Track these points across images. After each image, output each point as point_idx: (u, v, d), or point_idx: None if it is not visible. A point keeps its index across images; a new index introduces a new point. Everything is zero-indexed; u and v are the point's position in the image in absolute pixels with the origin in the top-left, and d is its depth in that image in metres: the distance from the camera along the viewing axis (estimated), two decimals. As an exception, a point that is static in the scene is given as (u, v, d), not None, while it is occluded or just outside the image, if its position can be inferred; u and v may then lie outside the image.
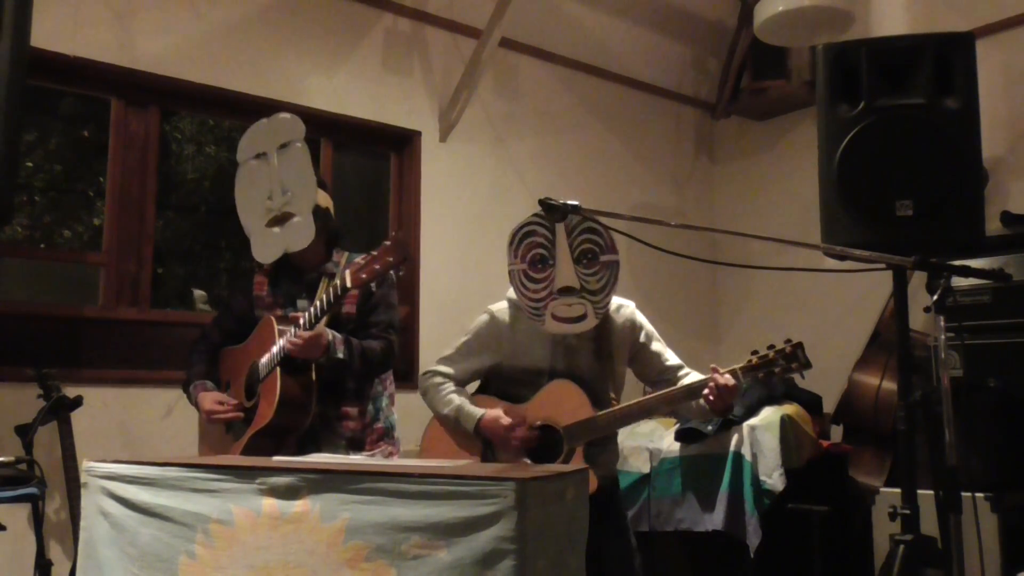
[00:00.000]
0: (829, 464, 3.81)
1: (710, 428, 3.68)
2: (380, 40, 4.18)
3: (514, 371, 2.54)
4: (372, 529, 1.48)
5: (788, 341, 2.31)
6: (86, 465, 1.79)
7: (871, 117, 2.49)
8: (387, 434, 2.68)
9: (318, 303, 2.42)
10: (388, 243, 2.30)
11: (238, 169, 2.75)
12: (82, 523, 1.78)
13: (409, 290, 4.20)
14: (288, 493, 1.56)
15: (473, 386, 2.69)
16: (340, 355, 2.45)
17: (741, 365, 2.33)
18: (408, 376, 4.11)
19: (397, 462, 2.09)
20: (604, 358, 2.49)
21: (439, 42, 4.36)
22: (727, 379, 2.30)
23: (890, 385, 3.70)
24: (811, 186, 2.68)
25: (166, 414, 3.42)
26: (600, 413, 2.39)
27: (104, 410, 3.28)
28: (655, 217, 2.35)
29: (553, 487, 1.57)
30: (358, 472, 1.55)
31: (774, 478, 3.57)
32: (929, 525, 2.24)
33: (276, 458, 2.01)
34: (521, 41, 4.59)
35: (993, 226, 3.70)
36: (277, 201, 2.61)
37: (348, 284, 2.31)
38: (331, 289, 2.37)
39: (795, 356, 2.30)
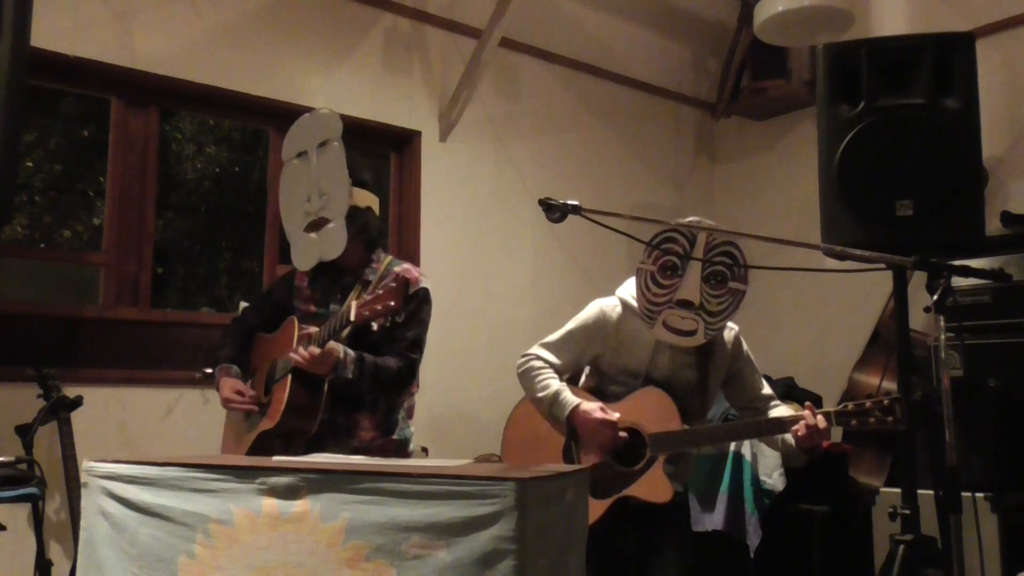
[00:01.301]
0: (829, 464, 3.81)
1: (710, 428, 3.68)
2: (380, 40, 4.18)
3: (611, 369, 2.53)
4: (372, 529, 1.48)
5: (888, 394, 2.30)
6: (86, 465, 1.79)
7: (871, 117, 2.49)
8: (400, 448, 2.66)
9: (329, 325, 2.42)
10: (394, 285, 2.29)
11: (283, 169, 2.75)
12: (82, 523, 1.78)
13: (409, 290, 4.20)
14: (288, 493, 1.56)
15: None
16: (348, 375, 2.44)
17: (835, 409, 2.33)
18: (408, 376, 4.12)
19: (397, 462, 2.09)
20: (701, 374, 2.49)
21: (439, 42, 4.36)
22: (820, 420, 2.30)
23: (890, 385, 3.70)
24: (811, 186, 2.68)
25: (166, 414, 3.43)
26: (690, 427, 2.39)
27: (104, 410, 3.28)
28: (655, 217, 2.36)
29: (553, 487, 1.56)
30: (358, 472, 1.55)
31: (774, 478, 3.57)
32: (929, 525, 2.24)
33: (276, 458, 2.01)
34: (521, 41, 4.59)
35: (993, 226, 3.70)
36: (314, 204, 2.60)
37: (352, 318, 2.31)
38: (339, 318, 2.38)
39: (892, 410, 2.28)
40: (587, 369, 2.65)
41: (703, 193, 5.52)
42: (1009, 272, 2.31)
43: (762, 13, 3.97)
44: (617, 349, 2.52)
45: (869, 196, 2.47)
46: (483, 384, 4.19)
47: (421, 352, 2.64)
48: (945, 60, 2.48)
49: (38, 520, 2.78)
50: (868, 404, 2.30)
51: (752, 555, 3.49)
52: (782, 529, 3.56)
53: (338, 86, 4.03)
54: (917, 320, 3.13)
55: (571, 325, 2.59)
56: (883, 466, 3.73)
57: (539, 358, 2.56)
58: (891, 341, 3.71)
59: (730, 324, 2.57)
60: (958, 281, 2.21)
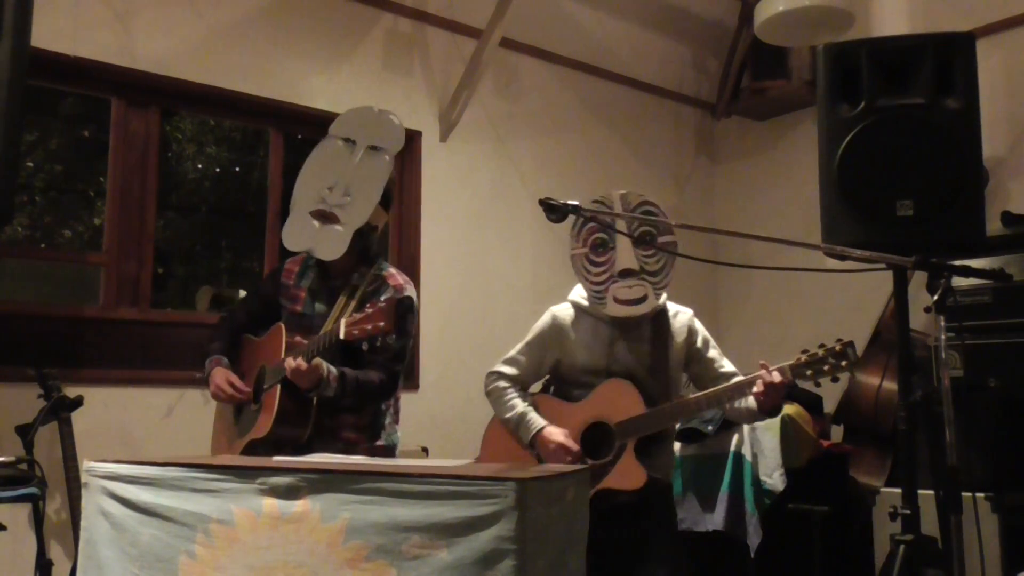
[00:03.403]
0: (829, 464, 3.81)
1: (710, 428, 3.68)
2: (380, 40, 4.18)
3: (573, 370, 2.56)
4: (372, 529, 1.48)
5: (839, 340, 2.31)
6: (87, 465, 1.79)
7: (871, 117, 2.49)
8: (388, 452, 2.66)
9: (315, 339, 2.41)
10: (383, 305, 2.28)
11: (322, 140, 2.69)
12: (82, 523, 1.78)
13: (409, 290, 4.20)
14: (288, 493, 1.56)
15: (535, 386, 2.71)
16: (330, 393, 2.43)
17: (790, 363, 2.33)
18: (409, 376, 4.11)
19: (397, 462, 2.09)
20: (660, 359, 2.51)
21: (439, 42, 4.36)
22: (775, 376, 2.30)
23: (890, 385, 3.70)
24: (811, 186, 2.68)
25: (166, 414, 3.43)
26: (650, 409, 2.41)
27: (104, 410, 3.28)
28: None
29: (553, 487, 1.57)
30: (358, 472, 1.55)
31: (774, 478, 3.57)
32: (929, 525, 2.24)
33: (276, 458, 2.01)
34: (521, 41, 4.59)
35: (993, 226, 3.69)
36: (335, 197, 2.55)
37: (341, 336, 2.30)
38: (327, 335, 2.38)
39: (845, 354, 2.29)
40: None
41: (703, 193, 5.52)
42: (1009, 272, 2.31)
43: (762, 13, 3.97)
44: (574, 350, 2.55)
45: (869, 196, 2.46)
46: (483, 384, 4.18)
47: (404, 362, 2.63)
48: (945, 60, 2.48)
49: (38, 520, 2.77)
50: (820, 352, 2.31)
51: (752, 555, 3.48)
52: (782, 529, 3.56)
53: (338, 86, 4.03)
54: (917, 320, 3.12)
55: (528, 336, 2.64)
56: (883, 466, 3.73)
57: (502, 376, 2.62)
58: (891, 341, 3.70)
59: (684, 309, 2.61)
60: (958, 281, 2.21)
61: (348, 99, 4.03)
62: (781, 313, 5.02)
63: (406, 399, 3.43)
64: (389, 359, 2.56)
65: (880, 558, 3.28)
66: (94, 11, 3.42)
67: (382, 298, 2.48)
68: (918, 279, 3.13)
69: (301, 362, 2.37)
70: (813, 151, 2.62)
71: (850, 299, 4.58)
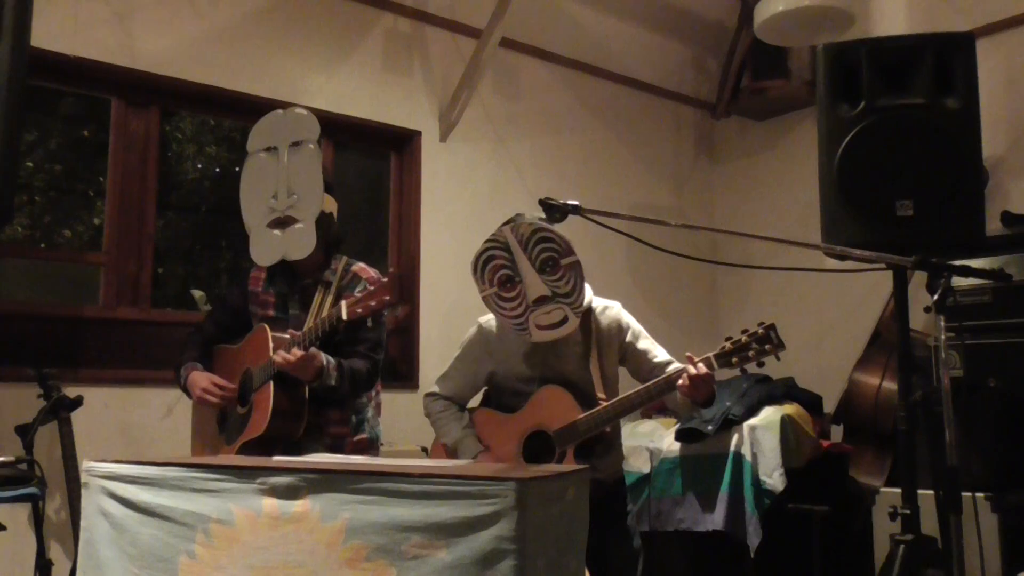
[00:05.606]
0: (829, 464, 3.81)
1: (710, 428, 3.68)
2: (380, 40, 4.18)
3: (507, 380, 2.57)
4: (372, 529, 1.48)
5: (761, 324, 2.30)
6: (86, 465, 1.79)
7: (871, 117, 2.49)
8: (371, 445, 2.67)
9: (313, 326, 2.40)
10: (386, 280, 2.30)
11: (246, 160, 2.73)
12: (82, 523, 1.78)
13: (409, 290, 4.20)
14: (288, 493, 1.56)
15: (474, 400, 2.71)
16: (332, 382, 2.44)
17: (715, 352, 2.32)
18: (409, 376, 4.12)
19: (397, 462, 2.09)
20: (591, 360, 2.50)
21: (439, 42, 4.36)
22: (700, 368, 2.28)
23: (890, 385, 3.70)
24: (811, 186, 2.69)
25: (166, 414, 3.43)
26: (583, 415, 2.40)
27: (104, 410, 3.28)
28: (655, 217, 2.35)
29: (553, 487, 1.56)
30: (358, 472, 1.55)
31: (774, 478, 3.56)
32: (929, 525, 2.24)
33: (276, 458, 2.01)
34: (521, 41, 4.59)
35: (993, 226, 3.69)
36: (282, 202, 2.58)
37: (344, 317, 2.30)
38: (327, 319, 2.37)
39: (768, 338, 2.27)
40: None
41: (703, 193, 5.52)
42: (1009, 272, 2.31)
43: (762, 13, 3.97)
44: (506, 359, 2.56)
45: (869, 196, 2.47)
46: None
47: (384, 352, 2.65)
48: (945, 60, 2.48)
49: (38, 520, 2.78)
50: (743, 339, 2.29)
51: (752, 555, 3.48)
52: (782, 529, 3.56)
53: (338, 86, 4.03)
54: (917, 320, 3.13)
55: (458, 350, 2.65)
56: (883, 466, 3.73)
57: (438, 398, 2.63)
58: (891, 341, 3.70)
59: (610, 303, 2.60)
60: (958, 281, 2.21)
61: (347, 99, 4.04)
62: (781, 313, 4.98)
63: (406, 399, 3.44)
64: (370, 348, 2.58)
65: (880, 558, 3.28)
66: (94, 11, 3.42)
67: (356, 290, 2.50)
68: (918, 279, 3.13)
69: (296, 351, 2.36)
70: (813, 151, 2.62)
71: (850, 299, 4.58)
